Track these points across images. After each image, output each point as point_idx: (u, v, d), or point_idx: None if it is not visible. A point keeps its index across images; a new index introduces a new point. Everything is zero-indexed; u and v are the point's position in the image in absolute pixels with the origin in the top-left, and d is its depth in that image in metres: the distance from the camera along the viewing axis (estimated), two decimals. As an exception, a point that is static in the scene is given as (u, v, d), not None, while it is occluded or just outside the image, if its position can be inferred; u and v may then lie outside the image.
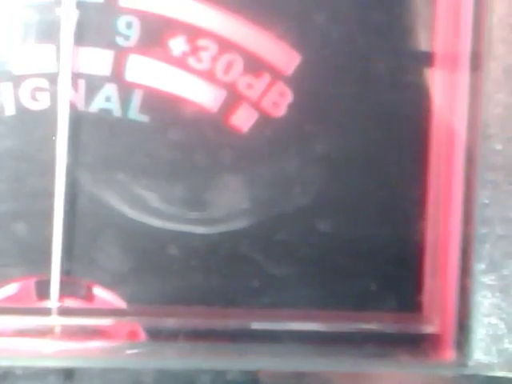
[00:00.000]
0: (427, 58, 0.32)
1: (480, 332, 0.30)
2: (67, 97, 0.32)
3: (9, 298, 0.35)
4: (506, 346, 0.30)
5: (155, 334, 0.33)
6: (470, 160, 0.30)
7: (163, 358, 0.31)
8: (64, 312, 0.34)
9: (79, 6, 0.32)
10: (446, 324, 0.32)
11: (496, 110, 0.29)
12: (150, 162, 0.33)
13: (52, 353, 0.33)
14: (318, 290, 0.33)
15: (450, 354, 0.31)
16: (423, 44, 0.32)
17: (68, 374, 0.31)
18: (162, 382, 0.30)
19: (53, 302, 0.33)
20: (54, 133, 0.33)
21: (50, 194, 0.33)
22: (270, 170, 0.33)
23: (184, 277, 0.33)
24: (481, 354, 0.30)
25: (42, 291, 0.35)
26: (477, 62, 0.30)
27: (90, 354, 0.32)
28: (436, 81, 0.32)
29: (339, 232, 0.33)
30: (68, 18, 0.32)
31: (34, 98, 0.33)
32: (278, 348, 0.32)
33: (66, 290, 0.35)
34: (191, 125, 0.33)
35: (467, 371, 0.31)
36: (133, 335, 0.34)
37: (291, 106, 0.33)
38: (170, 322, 0.32)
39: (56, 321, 0.34)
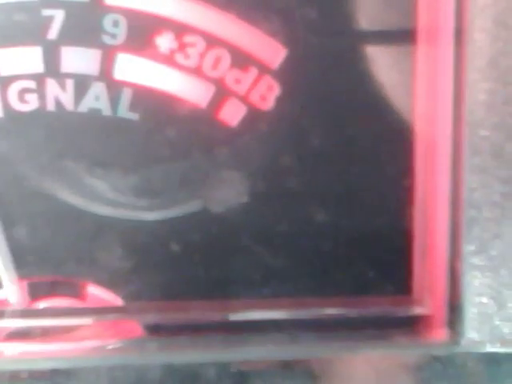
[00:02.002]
0: (412, 46, 0.33)
1: (471, 311, 0.31)
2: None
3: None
4: (497, 323, 0.32)
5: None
6: (458, 146, 0.31)
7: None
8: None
9: (65, 5, 0.32)
10: (438, 305, 0.33)
11: (481, 97, 0.30)
12: (143, 159, 0.33)
13: (50, 353, 0.33)
14: (308, 278, 0.34)
15: (442, 334, 0.32)
16: (407, 31, 0.32)
17: (69, 374, 0.31)
18: (167, 377, 0.31)
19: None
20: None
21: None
22: (262, 163, 0.33)
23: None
24: (473, 332, 0.32)
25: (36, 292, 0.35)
26: (460, 50, 0.31)
27: (89, 354, 0.32)
28: (421, 70, 0.33)
29: (329, 219, 0.34)
30: (55, 18, 0.32)
31: (22, 100, 0.33)
32: (276, 337, 0.32)
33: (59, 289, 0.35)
34: (181, 121, 0.33)
35: (460, 349, 0.32)
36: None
37: (279, 99, 0.33)
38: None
39: (46, 322, 0.34)
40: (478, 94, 0.30)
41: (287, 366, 0.31)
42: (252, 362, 0.31)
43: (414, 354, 0.32)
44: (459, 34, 0.31)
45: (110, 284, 0.34)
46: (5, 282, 0.34)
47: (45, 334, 0.34)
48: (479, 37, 0.30)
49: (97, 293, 0.36)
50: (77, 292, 0.36)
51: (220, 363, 0.30)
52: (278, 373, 0.31)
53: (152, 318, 0.34)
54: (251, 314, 0.33)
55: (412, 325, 0.33)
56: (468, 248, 0.31)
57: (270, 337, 0.32)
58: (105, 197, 0.34)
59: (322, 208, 0.34)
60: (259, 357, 0.31)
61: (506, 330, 0.32)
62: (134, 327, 0.34)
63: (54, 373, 0.31)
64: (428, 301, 0.33)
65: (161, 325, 0.33)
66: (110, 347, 0.32)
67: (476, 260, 0.31)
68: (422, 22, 0.33)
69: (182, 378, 0.31)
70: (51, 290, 0.35)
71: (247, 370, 0.31)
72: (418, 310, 0.34)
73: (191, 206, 0.34)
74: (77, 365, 0.31)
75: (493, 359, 0.32)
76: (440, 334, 0.33)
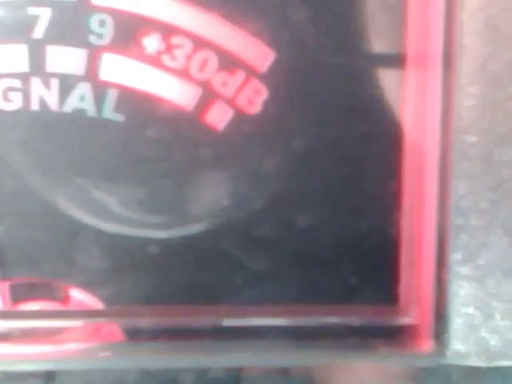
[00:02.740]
0: (400, 53, 0.32)
1: (457, 322, 0.31)
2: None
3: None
4: (483, 334, 0.31)
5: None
6: (445, 152, 0.31)
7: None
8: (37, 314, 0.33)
9: (51, 4, 0.32)
10: (424, 315, 0.32)
11: (469, 103, 0.30)
12: (126, 160, 0.33)
13: (30, 356, 0.32)
14: (294, 285, 0.34)
15: (427, 345, 0.32)
16: (395, 40, 0.32)
17: (48, 376, 0.31)
18: (143, 381, 0.30)
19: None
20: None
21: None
22: (247, 166, 0.33)
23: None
24: (458, 344, 0.31)
25: (17, 295, 0.34)
26: (449, 56, 0.30)
27: (69, 356, 0.32)
28: (409, 75, 0.32)
29: (316, 226, 0.33)
30: (40, 16, 0.32)
31: (6, 99, 0.33)
32: (258, 344, 0.32)
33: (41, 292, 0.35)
34: (167, 123, 0.33)
35: (445, 361, 0.31)
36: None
37: (266, 103, 0.33)
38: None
39: (27, 324, 0.33)
40: (466, 100, 0.30)
41: (270, 373, 0.31)
42: (231, 368, 0.30)
43: (399, 364, 0.32)
44: (448, 42, 0.30)
45: (91, 287, 0.34)
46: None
47: (24, 336, 0.33)
48: (468, 41, 0.30)
49: (80, 297, 0.35)
50: (60, 295, 0.35)
51: (198, 369, 0.30)
52: (259, 379, 0.31)
53: (133, 322, 0.33)
54: (233, 321, 0.33)
55: (398, 335, 0.33)
56: (454, 257, 0.31)
57: (252, 344, 0.31)
58: (88, 198, 0.33)
59: (308, 215, 0.33)
60: (238, 363, 0.30)
61: (492, 342, 0.31)
62: (115, 331, 0.34)
63: (31, 375, 0.31)
64: (414, 311, 0.33)
65: (141, 329, 0.33)
66: (91, 351, 0.32)
67: (463, 269, 0.31)
68: (411, 38, 0.32)
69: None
70: (33, 292, 0.35)
71: (226, 377, 0.30)
72: (403, 320, 0.33)
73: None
74: (55, 367, 0.31)
75: (478, 371, 0.31)
76: (425, 345, 0.32)
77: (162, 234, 0.33)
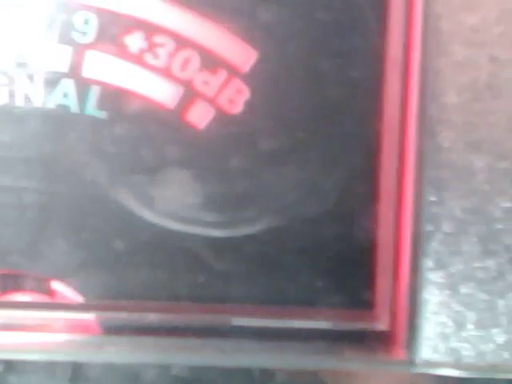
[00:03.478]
0: (379, 56, 0.32)
1: (428, 330, 0.30)
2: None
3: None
4: (454, 344, 0.30)
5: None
6: (419, 158, 0.30)
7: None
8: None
9: (37, 1, 0.33)
10: (397, 322, 0.32)
11: (442, 111, 0.29)
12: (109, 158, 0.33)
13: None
14: (269, 287, 0.33)
15: (399, 352, 0.31)
16: (375, 42, 0.32)
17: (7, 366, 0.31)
18: (107, 375, 0.31)
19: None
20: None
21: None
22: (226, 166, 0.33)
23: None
24: (429, 353, 0.30)
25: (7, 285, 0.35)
26: (425, 61, 0.30)
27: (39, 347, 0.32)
28: (387, 80, 0.32)
29: (291, 230, 0.33)
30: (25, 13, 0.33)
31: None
32: (231, 344, 0.32)
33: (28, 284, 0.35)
34: (147, 121, 0.33)
35: (415, 369, 0.30)
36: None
37: (248, 103, 0.33)
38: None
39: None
40: (440, 109, 0.29)
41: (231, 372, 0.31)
42: (196, 367, 0.30)
43: (371, 370, 0.31)
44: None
45: (73, 281, 0.34)
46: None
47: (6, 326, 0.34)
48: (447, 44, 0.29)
49: (64, 290, 0.36)
50: (44, 288, 0.36)
51: (161, 365, 0.30)
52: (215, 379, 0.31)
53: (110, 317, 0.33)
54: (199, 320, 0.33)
55: (370, 340, 0.32)
56: (426, 263, 0.30)
57: (217, 345, 0.31)
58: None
59: (284, 214, 0.33)
60: (203, 363, 0.30)
61: (464, 353, 0.30)
62: (92, 326, 0.34)
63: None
64: (387, 317, 0.32)
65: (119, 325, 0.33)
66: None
67: (434, 276, 0.30)
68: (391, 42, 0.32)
69: (123, 378, 0.30)
70: (19, 284, 0.36)
71: (189, 376, 0.30)
72: (377, 326, 0.32)
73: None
74: (26, 357, 0.31)
75: (449, 381, 0.31)
76: (397, 352, 0.31)
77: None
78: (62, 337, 0.33)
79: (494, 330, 0.30)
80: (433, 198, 0.30)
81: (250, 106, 0.33)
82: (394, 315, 0.32)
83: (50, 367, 0.30)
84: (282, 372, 0.30)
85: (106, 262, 0.34)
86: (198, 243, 0.33)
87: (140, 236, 0.33)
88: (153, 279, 0.33)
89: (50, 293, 0.36)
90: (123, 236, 0.33)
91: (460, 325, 0.30)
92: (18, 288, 0.36)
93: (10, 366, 0.30)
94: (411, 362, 0.30)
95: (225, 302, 0.32)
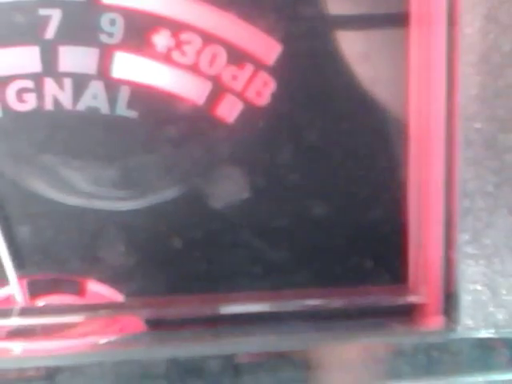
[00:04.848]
0: (404, 42, 0.33)
1: (466, 299, 0.32)
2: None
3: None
4: (491, 309, 0.33)
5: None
6: (451, 138, 0.32)
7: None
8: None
9: (62, 5, 0.33)
10: (433, 293, 0.34)
11: (473, 91, 0.31)
12: (143, 156, 0.34)
13: (52, 351, 0.33)
14: (306, 270, 0.35)
15: (438, 322, 0.33)
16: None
17: (71, 371, 0.32)
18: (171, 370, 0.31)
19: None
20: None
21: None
22: (259, 157, 0.34)
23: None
24: (468, 319, 0.33)
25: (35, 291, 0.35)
26: (453, 45, 0.31)
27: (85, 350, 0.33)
28: (414, 65, 0.34)
29: (329, 214, 0.34)
30: (51, 17, 0.32)
31: (20, 100, 0.33)
32: (278, 327, 0.33)
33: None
34: (179, 118, 0.34)
35: (456, 336, 0.33)
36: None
37: (274, 95, 0.34)
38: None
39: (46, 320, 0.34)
40: (469, 88, 0.31)
41: (285, 357, 0.32)
42: (251, 354, 0.31)
43: (411, 341, 0.33)
44: (451, 27, 0.31)
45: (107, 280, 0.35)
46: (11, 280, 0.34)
47: (45, 331, 0.34)
48: (470, 31, 0.31)
49: (96, 289, 0.36)
50: (77, 289, 0.36)
51: (222, 356, 0.31)
52: (276, 363, 0.32)
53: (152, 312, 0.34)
54: (249, 307, 0.34)
55: (409, 313, 0.34)
56: (462, 237, 0.32)
57: (270, 329, 0.33)
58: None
59: (318, 202, 0.34)
60: (258, 349, 0.32)
61: (499, 316, 0.33)
62: (136, 323, 0.35)
63: (56, 370, 0.31)
64: (424, 289, 0.34)
65: (162, 319, 0.34)
66: (111, 343, 0.33)
67: (470, 249, 0.32)
68: (415, 11, 0.33)
69: (186, 371, 0.31)
70: (51, 287, 0.36)
71: (247, 362, 0.32)
72: (413, 299, 0.34)
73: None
74: (78, 362, 0.32)
75: (487, 345, 0.33)
76: (436, 322, 0.34)
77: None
78: (110, 337, 0.33)
79: (525, 294, 0.33)
80: (467, 176, 0.32)
81: (276, 97, 0.34)
82: (430, 287, 0.34)
83: (112, 368, 0.31)
84: (334, 349, 0.32)
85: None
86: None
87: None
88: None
89: (83, 294, 0.36)
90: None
91: (494, 292, 0.33)
92: (50, 291, 0.36)
93: (72, 370, 0.30)
94: (452, 330, 0.33)
95: (275, 289, 0.34)
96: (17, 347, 0.32)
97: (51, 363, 0.31)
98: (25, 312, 0.34)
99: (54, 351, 0.33)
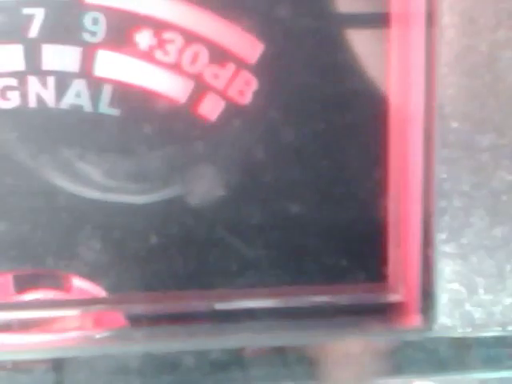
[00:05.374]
0: (383, 42, 0.34)
1: (443, 297, 0.33)
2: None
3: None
4: (468, 308, 0.33)
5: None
6: (428, 138, 0.32)
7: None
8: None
9: (45, 4, 0.33)
10: (411, 292, 0.34)
11: (449, 91, 0.31)
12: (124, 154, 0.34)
13: (33, 345, 0.33)
14: (284, 267, 0.35)
15: (415, 320, 0.34)
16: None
17: (56, 364, 0.32)
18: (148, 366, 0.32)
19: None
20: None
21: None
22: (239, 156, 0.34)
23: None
24: (445, 318, 0.33)
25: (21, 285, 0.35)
26: (430, 47, 0.32)
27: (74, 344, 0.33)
28: (393, 64, 0.34)
29: (306, 210, 0.35)
30: (35, 16, 0.33)
31: (3, 97, 0.34)
32: (252, 326, 0.33)
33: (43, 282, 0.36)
34: (161, 116, 0.34)
35: (433, 334, 0.33)
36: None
37: (256, 94, 0.34)
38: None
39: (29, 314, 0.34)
40: (446, 88, 0.31)
41: (263, 354, 0.32)
42: (230, 350, 0.32)
43: (389, 339, 0.33)
44: (430, 28, 0.32)
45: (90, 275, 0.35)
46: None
47: (28, 325, 0.34)
48: (447, 32, 0.31)
49: (81, 284, 0.36)
50: (61, 284, 0.36)
51: (199, 351, 0.31)
52: (255, 360, 0.32)
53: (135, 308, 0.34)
54: (229, 304, 0.34)
55: (387, 311, 0.34)
56: (439, 236, 0.32)
57: (247, 326, 0.33)
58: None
59: (297, 198, 0.35)
60: (238, 345, 0.32)
61: (476, 315, 0.33)
62: (118, 318, 0.35)
63: (38, 363, 0.32)
64: (402, 288, 0.34)
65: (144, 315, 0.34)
66: (94, 338, 0.33)
67: (447, 248, 0.32)
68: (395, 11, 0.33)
69: (163, 367, 0.31)
70: (36, 282, 0.36)
71: (226, 359, 0.32)
72: (392, 297, 0.35)
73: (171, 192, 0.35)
74: (60, 355, 0.32)
75: (464, 344, 0.33)
76: (413, 320, 0.34)
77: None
78: (88, 332, 0.33)
79: (502, 293, 0.33)
80: (444, 176, 0.32)
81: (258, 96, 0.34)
82: (408, 286, 0.34)
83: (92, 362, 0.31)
84: (312, 347, 0.32)
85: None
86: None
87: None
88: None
89: (68, 289, 0.37)
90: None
91: (472, 291, 0.33)
92: (35, 286, 0.37)
93: (56, 364, 0.31)
94: (429, 328, 0.33)
95: (252, 286, 0.34)
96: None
97: (25, 357, 0.32)
98: (4, 307, 0.34)
99: (29, 345, 0.33)
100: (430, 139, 0.32)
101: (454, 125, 0.32)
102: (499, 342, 0.32)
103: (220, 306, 0.34)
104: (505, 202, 0.32)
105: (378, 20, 0.34)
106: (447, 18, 0.31)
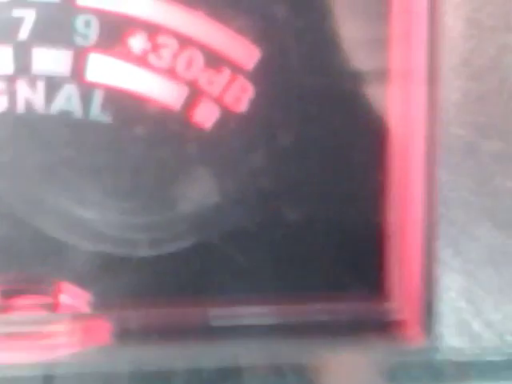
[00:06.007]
0: (385, 47, 0.32)
1: (449, 316, 0.31)
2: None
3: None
4: (475, 328, 0.31)
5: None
6: (431, 145, 0.31)
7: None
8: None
9: (36, 6, 0.32)
10: (414, 310, 0.32)
11: (454, 97, 0.30)
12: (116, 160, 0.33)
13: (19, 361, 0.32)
14: (281, 280, 0.33)
15: (419, 339, 0.32)
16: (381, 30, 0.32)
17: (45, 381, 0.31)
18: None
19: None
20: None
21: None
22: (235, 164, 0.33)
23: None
24: (451, 339, 0.31)
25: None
26: (434, 52, 0.30)
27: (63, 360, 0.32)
28: (395, 68, 0.32)
29: (302, 220, 0.33)
30: (25, 18, 0.32)
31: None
32: (247, 342, 0.32)
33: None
34: (154, 123, 0.33)
35: (438, 356, 0.31)
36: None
37: (252, 101, 0.33)
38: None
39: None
40: (451, 94, 0.30)
41: (259, 370, 0.31)
42: (223, 366, 0.30)
43: (389, 359, 0.32)
44: (433, 31, 0.30)
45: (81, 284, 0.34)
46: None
47: (13, 340, 0.33)
48: (452, 35, 0.30)
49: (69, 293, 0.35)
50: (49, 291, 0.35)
51: (192, 369, 0.30)
52: (246, 378, 0.30)
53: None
54: (226, 322, 0.33)
55: (387, 329, 0.33)
56: (445, 251, 0.31)
57: (242, 342, 0.31)
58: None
59: (294, 209, 0.33)
60: (230, 362, 0.30)
61: (481, 333, 0.31)
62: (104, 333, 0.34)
63: (21, 380, 0.31)
64: (405, 306, 0.33)
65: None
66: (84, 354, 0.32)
67: (453, 263, 0.31)
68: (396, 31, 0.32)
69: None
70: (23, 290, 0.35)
71: (220, 374, 0.30)
72: (393, 315, 0.33)
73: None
74: (48, 372, 0.31)
75: (471, 365, 0.31)
76: (417, 340, 0.32)
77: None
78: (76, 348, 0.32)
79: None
80: (448, 184, 0.30)
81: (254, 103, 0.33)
82: (411, 304, 0.32)
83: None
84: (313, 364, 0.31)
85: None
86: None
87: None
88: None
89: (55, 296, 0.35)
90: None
91: (479, 310, 0.31)
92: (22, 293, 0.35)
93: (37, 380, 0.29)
94: (434, 349, 0.31)
95: (248, 301, 0.32)
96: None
97: (12, 373, 0.30)
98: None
99: (16, 360, 0.32)
100: (433, 146, 0.30)
101: (458, 131, 0.30)
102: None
103: (216, 322, 0.32)
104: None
105: (380, 19, 0.32)
106: (451, 20, 0.29)
